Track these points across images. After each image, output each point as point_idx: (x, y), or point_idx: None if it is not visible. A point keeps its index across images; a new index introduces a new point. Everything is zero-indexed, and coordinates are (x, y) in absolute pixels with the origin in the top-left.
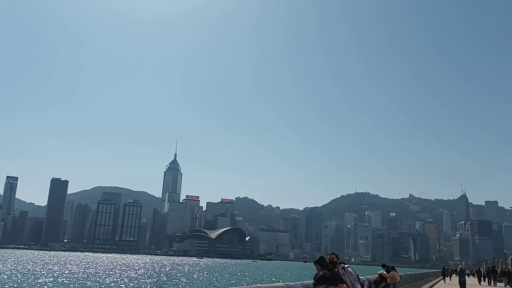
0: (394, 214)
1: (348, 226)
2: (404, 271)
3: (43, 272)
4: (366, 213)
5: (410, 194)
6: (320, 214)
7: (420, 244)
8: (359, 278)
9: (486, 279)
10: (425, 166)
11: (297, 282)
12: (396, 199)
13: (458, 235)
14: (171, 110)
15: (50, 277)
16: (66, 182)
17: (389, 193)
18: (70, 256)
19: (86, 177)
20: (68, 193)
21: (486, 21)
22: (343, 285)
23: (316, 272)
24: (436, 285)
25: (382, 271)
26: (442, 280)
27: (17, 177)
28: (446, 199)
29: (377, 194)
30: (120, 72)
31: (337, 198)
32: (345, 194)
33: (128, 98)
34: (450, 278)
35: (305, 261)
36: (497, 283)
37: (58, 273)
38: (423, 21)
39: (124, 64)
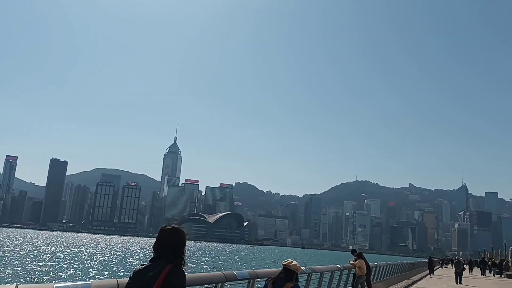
0: (393, 203)
1: (347, 214)
2: (400, 260)
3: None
4: (365, 202)
5: (410, 184)
6: (319, 201)
7: (418, 233)
8: None
9: (477, 269)
10: (426, 156)
11: (244, 270)
12: (396, 188)
13: (456, 225)
14: (172, 94)
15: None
16: (65, 163)
17: (389, 182)
18: (69, 237)
19: (86, 158)
20: (67, 174)
21: (494, 14)
22: None
23: None
24: (422, 280)
25: (289, 260)
26: (428, 274)
27: (17, 157)
28: (446, 189)
29: (377, 183)
30: (121, 54)
31: (337, 186)
32: (345, 182)
33: (129, 81)
34: (432, 273)
35: (303, 248)
36: (487, 272)
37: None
38: (426, 13)
39: (125, 47)
